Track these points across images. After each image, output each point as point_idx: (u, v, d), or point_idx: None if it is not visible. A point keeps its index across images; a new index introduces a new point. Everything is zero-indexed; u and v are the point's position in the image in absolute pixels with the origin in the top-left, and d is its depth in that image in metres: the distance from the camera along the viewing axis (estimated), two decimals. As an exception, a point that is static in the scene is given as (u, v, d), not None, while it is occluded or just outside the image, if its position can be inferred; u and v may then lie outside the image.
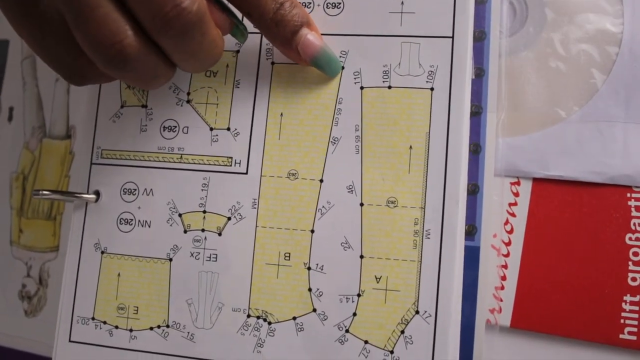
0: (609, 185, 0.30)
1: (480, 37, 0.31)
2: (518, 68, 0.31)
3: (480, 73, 0.31)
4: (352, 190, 0.29)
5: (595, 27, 0.31)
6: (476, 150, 0.30)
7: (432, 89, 0.29)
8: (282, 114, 0.30)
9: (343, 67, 0.30)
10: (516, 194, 0.31)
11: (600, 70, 0.31)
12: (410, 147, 0.29)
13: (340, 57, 0.30)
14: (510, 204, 0.31)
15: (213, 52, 0.26)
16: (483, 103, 0.30)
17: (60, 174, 0.37)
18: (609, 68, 0.31)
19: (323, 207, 0.29)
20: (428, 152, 0.29)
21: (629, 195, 0.30)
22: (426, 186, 0.28)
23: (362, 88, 0.29)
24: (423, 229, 0.28)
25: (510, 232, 0.30)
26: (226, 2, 0.27)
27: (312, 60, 0.29)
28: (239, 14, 0.28)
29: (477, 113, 0.30)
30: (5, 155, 0.39)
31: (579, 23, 0.31)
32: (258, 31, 0.29)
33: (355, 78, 0.30)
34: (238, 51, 0.31)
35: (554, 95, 0.31)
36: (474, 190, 0.30)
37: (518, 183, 0.31)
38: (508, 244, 0.30)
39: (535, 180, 0.31)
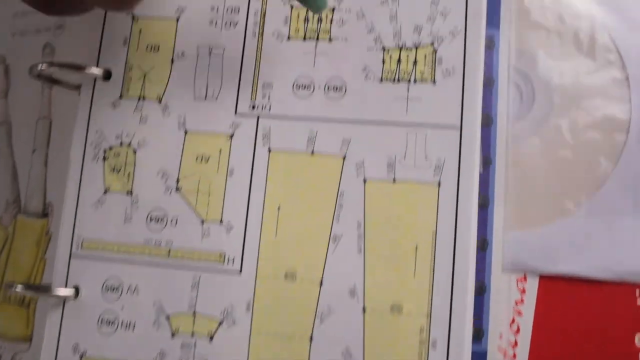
0: (618, 283, 0.29)
1: (487, 123, 0.29)
2: (525, 156, 0.30)
3: (487, 162, 0.29)
4: (353, 294, 0.27)
5: (602, 113, 0.30)
6: (483, 246, 0.29)
7: (439, 183, 0.27)
8: (279, 208, 0.28)
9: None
10: (523, 291, 0.29)
11: (608, 158, 0.30)
12: (416, 247, 0.27)
13: (342, 145, 0.28)
14: (516, 302, 0.29)
15: None
16: (490, 194, 0.29)
17: (35, 256, 0.34)
18: (617, 157, 0.29)
19: (322, 312, 0.27)
20: (435, 253, 0.27)
21: (638, 292, 0.29)
22: (432, 291, 0.27)
23: (365, 181, 0.28)
24: (429, 338, 0.26)
25: (517, 332, 0.29)
26: None
27: None
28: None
29: (483, 205, 0.29)
30: (-26, 228, 0.36)
31: (587, 109, 0.30)
32: (255, 115, 0.27)
33: (357, 170, 0.28)
34: (232, 135, 0.29)
35: (562, 186, 0.29)
36: (480, 290, 0.28)
37: (524, 279, 0.29)
38: (514, 345, 0.29)
39: (543, 276, 0.29)
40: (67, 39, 0.35)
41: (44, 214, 0.35)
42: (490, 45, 0.30)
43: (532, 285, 0.29)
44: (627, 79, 0.29)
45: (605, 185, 0.29)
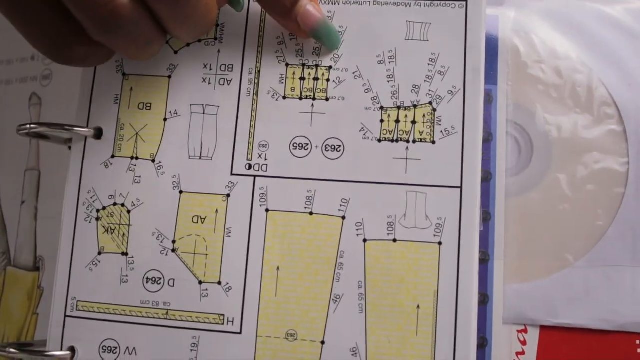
0: (618, 333, 0.29)
1: (486, 178, 0.29)
2: (524, 210, 0.30)
3: (486, 217, 0.29)
4: (356, 354, 0.27)
5: (601, 167, 0.30)
6: (483, 301, 0.29)
7: (440, 243, 0.27)
8: (278, 268, 0.28)
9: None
10: (523, 343, 0.29)
11: (607, 211, 0.30)
12: (418, 306, 0.27)
13: (340, 205, 0.28)
14: (517, 353, 0.29)
15: (207, 18, 0.25)
16: (490, 250, 0.29)
17: (27, 310, 0.33)
18: (615, 210, 0.30)
19: (326, 375, 0.27)
20: (437, 312, 0.27)
21: (638, 342, 0.29)
22: (435, 349, 0.27)
23: (365, 241, 0.28)
24: (434, 402, 0.26)
25: (520, 387, 0.29)
26: None
27: (312, 32, 0.27)
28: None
29: (484, 260, 0.29)
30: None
31: (585, 162, 0.30)
32: (251, 175, 0.27)
33: (357, 229, 0.28)
34: (229, 195, 0.28)
35: (561, 239, 0.30)
36: (482, 344, 0.28)
37: (525, 331, 0.29)
38: (517, 401, 0.29)
39: (543, 328, 0.29)
40: (55, 90, 0.35)
41: (35, 267, 0.34)
42: (488, 100, 0.30)
43: (533, 337, 0.30)
44: (624, 132, 0.30)
45: (604, 238, 0.29)
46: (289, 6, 0.27)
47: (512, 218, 0.30)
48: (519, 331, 0.30)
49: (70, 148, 0.30)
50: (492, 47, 0.30)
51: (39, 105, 0.35)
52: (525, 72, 0.30)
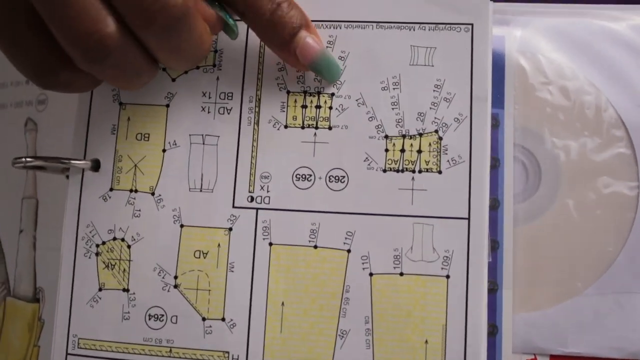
0: (629, 361, 0.29)
1: (494, 206, 0.29)
2: (532, 238, 0.29)
3: (494, 246, 0.28)
4: (364, 390, 0.26)
5: (610, 191, 0.29)
6: (492, 332, 0.28)
7: (447, 276, 0.27)
8: (283, 303, 0.27)
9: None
10: (533, 372, 0.29)
11: (617, 237, 0.29)
12: (426, 341, 0.26)
13: (346, 238, 0.27)
14: (527, 383, 0.29)
15: (199, 49, 0.25)
16: (498, 279, 0.28)
17: (28, 342, 0.33)
18: (626, 235, 0.29)
19: (334, 414, 0.26)
20: (445, 346, 0.26)
21: (649, 370, 0.29)
22: (444, 385, 0.26)
23: (371, 274, 0.27)
24: None
25: (530, 418, 0.29)
26: None
27: (311, 65, 0.27)
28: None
29: (492, 290, 0.28)
30: (-40, 309, 0.35)
31: (594, 187, 0.29)
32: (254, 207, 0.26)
33: (363, 263, 0.27)
34: (231, 229, 0.28)
35: (570, 266, 0.29)
36: (492, 377, 0.28)
37: (535, 360, 0.29)
38: None
39: (553, 357, 0.29)
40: (51, 115, 0.34)
41: (35, 298, 0.33)
42: (495, 125, 0.29)
43: (543, 367, 0.29)
44: (634, 155, 0.29)
45: (614, 264, 0.29)
46: (287, 38, 0.26)
47: (520, 246, 0.29)
48: (528, 360, 0.29)
49: (67, 177, 0.30)
50: (498, 68, 0.29)
51: (35, 131, 0.34)
52: (533, 95, 0.29)
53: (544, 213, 0.29)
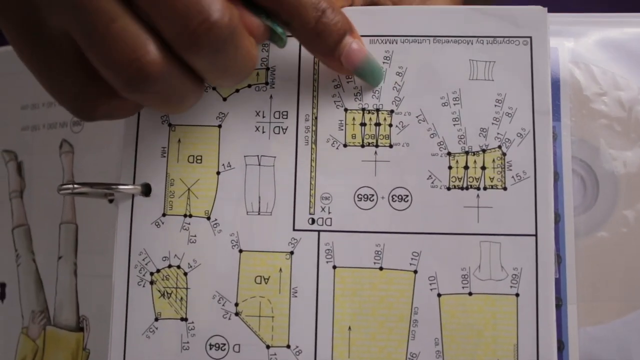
0: (694, 371, 0.29)
1: (555, 220, 0.28)
2: (592, 251, 0.29)
3: (558, 261, 0.28)
4: (436, 413, 0.26)
5: (668, 200, 0.29)
6: (559, 347, 0.28)
7: (517, 294, 0.26)
8: (350, 328, 0.27)
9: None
10: (598, 386, 0.29)
11: (677, 246, 0.29)
12: (498, 361, 0.26)
13: (412, 258, 0.27)
14: (593, 398, 0.29)
15: (248, 65, 0.24)
16: (562, 294, 0.28)
17: (72, 373, 0.32)
18: (686, 245, 0.29)
19: None
20: (517, 366, 0.26)
21: None
22: (518, 405, 0.26)
23: (439, 295, 0.26)
24: None
25: None
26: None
27: (356, 70, 0.26)
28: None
29: (557, 306, 0.28)
30: (-2, 341, 0.33)
31: (653, 197, 0.29)
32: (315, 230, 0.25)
33: (431, 284, 0.26)
34: (292, 252, 0.27)
35: (632, 279, 0.29)
36: (560, 393, 0.28)
37: (600, 374, 0.29)
38: None
39: (618, 370, 0.29)
40: (88, 136, 0.33)
41: (79, 327, 0.32)
42: (553, 138, 0.28)
43: (609, 381, 0.29)
44: (692, 165, 0.29)
45: (675, 274, 0.29)
46: (332, 45, 0.25)
47: (581, 259, 0.29)
48: (593, 374, 0.29)
49: (110, 201, 0.29)
50: (554, 80, 0.29)
51: (72, 154, 0.33)
52: (588, 106, 0.29)
53: (602, 226, 0.29)
